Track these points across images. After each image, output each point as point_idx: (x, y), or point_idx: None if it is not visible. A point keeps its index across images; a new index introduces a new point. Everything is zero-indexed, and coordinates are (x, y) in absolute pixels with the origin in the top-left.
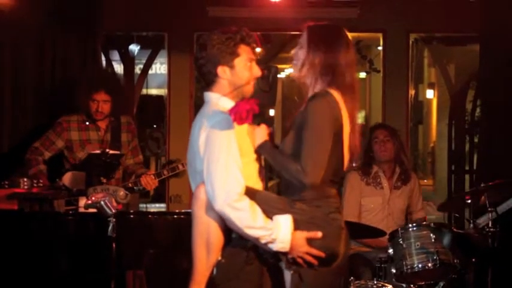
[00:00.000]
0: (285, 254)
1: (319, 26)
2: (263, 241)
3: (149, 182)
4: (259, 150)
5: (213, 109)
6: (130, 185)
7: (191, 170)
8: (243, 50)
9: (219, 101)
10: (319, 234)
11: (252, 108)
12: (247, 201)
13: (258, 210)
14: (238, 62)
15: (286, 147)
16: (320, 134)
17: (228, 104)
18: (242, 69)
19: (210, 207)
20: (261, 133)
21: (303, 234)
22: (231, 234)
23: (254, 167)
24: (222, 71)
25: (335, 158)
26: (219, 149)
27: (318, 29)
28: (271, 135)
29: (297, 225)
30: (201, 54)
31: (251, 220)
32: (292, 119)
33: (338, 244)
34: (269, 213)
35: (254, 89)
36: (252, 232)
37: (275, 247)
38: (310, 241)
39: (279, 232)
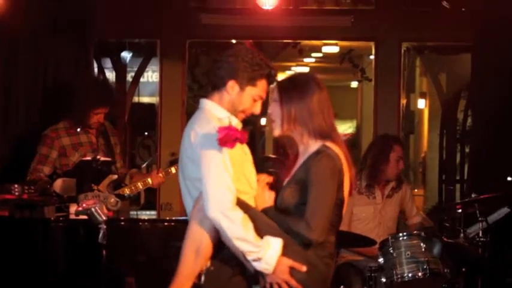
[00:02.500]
0: (264, 276)
1: (288, 78)
2: (249, 257)
3: (159, 181)
4: (265, 213)
5: (205, 118)
6: (139, 184)
7: (181, 177)
8: (261, 85)
9: (213, 109)
10: (304, 268)
11: (240, 139)
12: (240, 214)
13: (250, 225)
14: (249, 90)
15: (286, 202)
16: (325, 191)
17: (221, 113)
18: (248, 98)
19: (207, 215)
20: (267, 198)
21: (288, 262)
22: (223, 244)
23: (246, 183)
24: (231, 86)
25: (336, 206)
26: (210, 158)
27: (287, 82)
28: (275, 183)
29: (286, 252)
30: (228, 58)
31: (242, 232)
32: (290, 174)
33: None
34: (261, 232)
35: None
36: (240, 245)
37: (259, 266)
38: (292, 272)
39: (267, 252)
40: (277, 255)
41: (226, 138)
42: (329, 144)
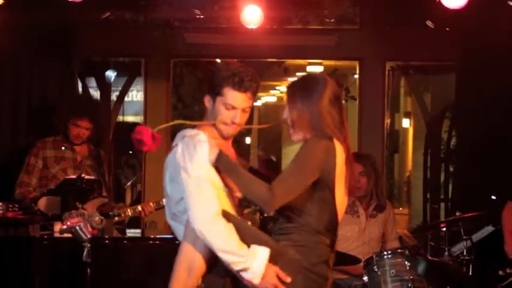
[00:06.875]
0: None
1: (295, 81)
2: (236, 268)
3: (149, 210)
4: (216, 165)
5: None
6: (129, 211)
7: (165, 195)
8: (227, 93)
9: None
10: (288, 279)
11: (142, 141)
12: (223, 225)
13: (234, 235)
14: (219, 100)
15: None
16: (303, 166)
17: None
18: (218, 108)
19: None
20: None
21: (275, 269)
22: (215, 260)
23: (225, 194)
24: (207, 100)
25: (328, 207)
26: (190, 171)
27: (293, 84)
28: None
29: (276, 262)
30: (207, 74)
31: (224, 244)
32: None
33: None
34: (247, 240)
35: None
36: (225, 256)
37: (246, 276)
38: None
39: (254, 262)
40: (264, 265)
41: (133, 141)
42: (334, 139)
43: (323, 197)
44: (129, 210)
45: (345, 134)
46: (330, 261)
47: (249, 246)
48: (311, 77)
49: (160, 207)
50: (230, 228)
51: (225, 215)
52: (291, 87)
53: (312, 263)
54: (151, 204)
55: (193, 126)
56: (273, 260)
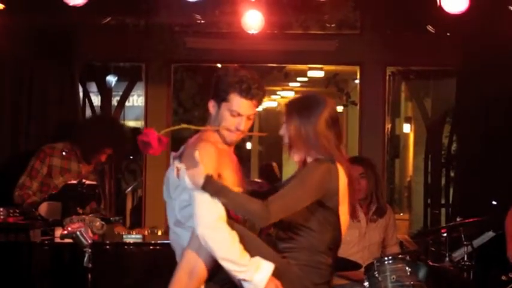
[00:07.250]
0: None
1: (295, 99)
2: (237, 277)
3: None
4: (205, 188)
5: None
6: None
7: (167, 198)
8: (235, 100)
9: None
10: None
11: (148, 142)
12: (226, 231)
13: (236, 244)
14: (224, 105)
15: None
16: (302, 186)
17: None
18: (224, 114)
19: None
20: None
21: (277, 283)
22: (218, 269)
23: None
24: (211, 106)
25: (331, 227)
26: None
27: (292, 102)
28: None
29: (280, 278)
30: (213, 78)
31: (227, 251)
32: None
33: None
34: (251, 250)
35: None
36: (226, 264)
37: (247, 286)
38: None
39: (255, 275)
40: (266, 280)
41: (138, 144)
42: (337, 162)
43: (327, 218)
44: (124, 231)
45: (342, 157)
46: (331, 282)
47: (252, 255)
48: (311, 96)
49: (154, 235)
50: (233, 236)
51: (230, 223)
52: (290, 105)
53: (314, 283)
54: (146, 232)
55: (196, 131)
56: (275, 274)
